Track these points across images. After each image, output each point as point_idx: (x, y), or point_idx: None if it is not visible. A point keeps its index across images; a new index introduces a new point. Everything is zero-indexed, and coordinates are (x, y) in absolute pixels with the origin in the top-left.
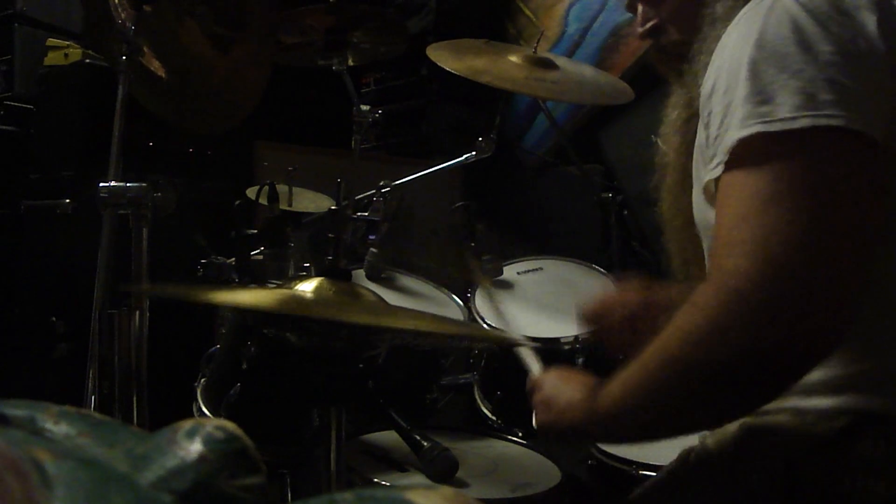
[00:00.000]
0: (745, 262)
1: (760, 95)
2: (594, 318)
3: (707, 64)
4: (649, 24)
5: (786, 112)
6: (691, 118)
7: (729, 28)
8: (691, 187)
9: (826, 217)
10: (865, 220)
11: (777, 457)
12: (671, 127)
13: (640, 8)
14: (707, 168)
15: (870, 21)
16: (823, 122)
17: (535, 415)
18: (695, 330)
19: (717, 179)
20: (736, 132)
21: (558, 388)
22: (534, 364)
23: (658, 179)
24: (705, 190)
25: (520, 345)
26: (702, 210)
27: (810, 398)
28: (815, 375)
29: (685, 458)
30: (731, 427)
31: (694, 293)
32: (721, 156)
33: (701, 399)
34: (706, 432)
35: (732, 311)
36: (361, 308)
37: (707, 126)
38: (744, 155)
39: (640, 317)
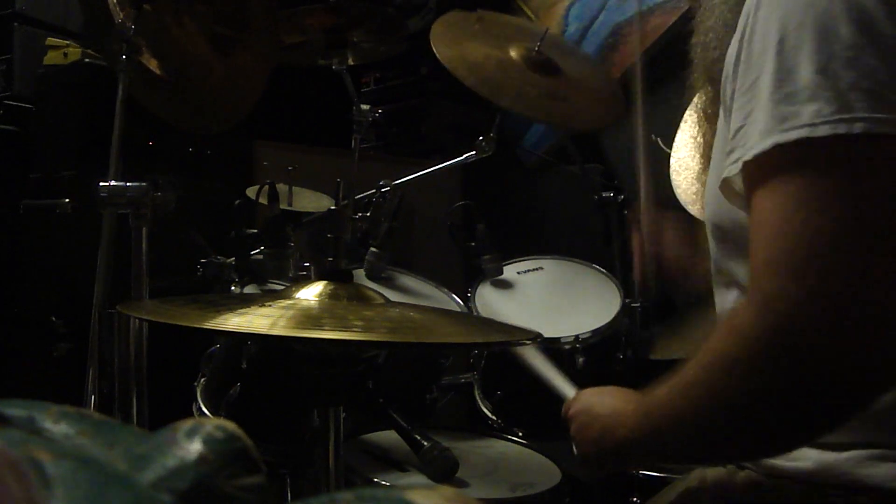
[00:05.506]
0: (786, 283)
1: (786, 88)
2: None
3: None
4: None
5: (808, 118)
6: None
7: None
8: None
9: (870, 230)
10: None
11: None
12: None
13: None
14: (727, 161)
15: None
16: (858, 127)
17: (575, 434)
18: (739, 361)
19: (746, 178)
20: (757, 143)
21: (600, 400)
22: (568, 389)
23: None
24: (723, 184)
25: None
26: (717, 202)
27: (827, 470)
28: (834, 443)
29: None
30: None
31: (733, 317)
32: (739, 153)
33: (752, 431)
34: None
35: (778, 338)
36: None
37: (729, 109)
38: (769, 166)
39: None
